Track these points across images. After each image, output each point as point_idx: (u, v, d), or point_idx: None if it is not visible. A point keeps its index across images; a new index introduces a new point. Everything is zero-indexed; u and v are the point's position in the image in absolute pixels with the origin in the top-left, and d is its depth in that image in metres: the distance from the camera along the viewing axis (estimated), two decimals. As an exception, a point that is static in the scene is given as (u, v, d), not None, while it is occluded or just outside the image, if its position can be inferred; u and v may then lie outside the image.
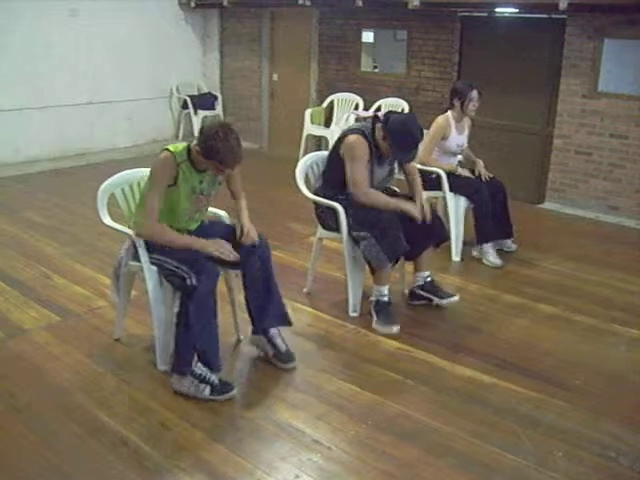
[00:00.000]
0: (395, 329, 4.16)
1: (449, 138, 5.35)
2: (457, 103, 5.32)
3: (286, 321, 3.82)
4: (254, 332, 3.78)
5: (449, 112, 5.37)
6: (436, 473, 2.90)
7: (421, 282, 4.53)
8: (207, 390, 3.37)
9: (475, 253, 5.46)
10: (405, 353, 3.93)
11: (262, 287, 3.70)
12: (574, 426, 3.24)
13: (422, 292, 4.53)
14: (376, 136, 4.17)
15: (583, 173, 7.07)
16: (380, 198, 4.24)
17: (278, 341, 3.73)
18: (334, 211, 4.29)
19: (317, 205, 4.46)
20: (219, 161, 3.34)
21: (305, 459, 2.95)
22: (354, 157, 4.15)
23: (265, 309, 3.71)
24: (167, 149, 3.45)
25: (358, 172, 4.16)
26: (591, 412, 3.37)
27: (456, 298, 4.47)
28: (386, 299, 4.28)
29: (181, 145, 3.52)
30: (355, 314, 4.39)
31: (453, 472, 2.90)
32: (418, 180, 4.49)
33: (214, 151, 3.31)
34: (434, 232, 4.44)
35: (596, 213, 6.98)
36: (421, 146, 4.70)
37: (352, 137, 4.18)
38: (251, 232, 3.71)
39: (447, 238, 4.73)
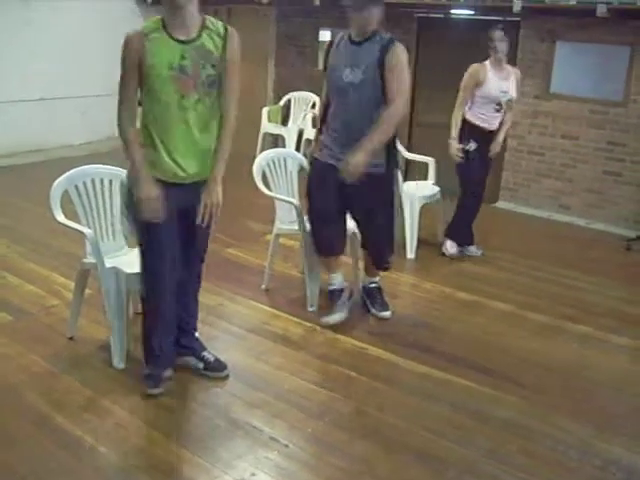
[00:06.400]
0: (330, 320, 4.20)
1: (485, 83, 5.18)
2: (490, 50, 5.21)
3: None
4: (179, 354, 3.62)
5: (487, 60, 5.24)
6: (391, 468, 2.93)
7: (366, 285, 4.50)
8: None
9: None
10: (362, 351, 3.96)
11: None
12: (527, 421, 3.31)
13: (363, 295, 4.52)
14: None
15: (535, 173, 7.21)
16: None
17: (204, 353, 3.59)
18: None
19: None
20: None
21: (262, 457, 2.95)
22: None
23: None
24: None
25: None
26: (543, 407, 3.44)
27: (387, 314, 4.39)
28: (331, 287, 4.33)
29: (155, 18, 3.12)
30: (313, 309, 4.41)
31: (408, 467, 2.94)
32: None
33: None
34: (377, 253, 4.33)
35: (548, 212, 7.12)
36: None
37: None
38: (210, 201, 3.18)
39: (382, 265, 4.41)
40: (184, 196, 3.19)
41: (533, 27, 6.91)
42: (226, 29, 3.13)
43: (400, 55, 3.84)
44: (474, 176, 5.38)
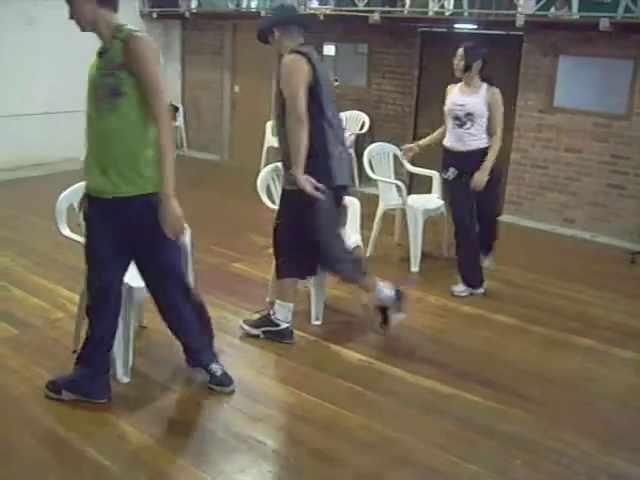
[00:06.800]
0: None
1: (447, 99, 5.04)
2: None
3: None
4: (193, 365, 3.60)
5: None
6: (396, 483, 2.92)
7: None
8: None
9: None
10: (366, 365, 3.95)
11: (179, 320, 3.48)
12: (532, 435, 3.30)
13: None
14: None
15: (539, 186, 7.22)
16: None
17: (213, 366, 3.55)
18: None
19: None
20: None
21: (265, 471, 2.95)
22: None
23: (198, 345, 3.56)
24: None
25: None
26: (548, 421, 3.43)
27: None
28: (284, 324, 4.12)
29: None
30: (318, 322, 4.40)
31: (412, 481, 2.94)
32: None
33: None
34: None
35: (552, 225, 7.12)
36: None
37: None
38: (167, 220, 3.05)
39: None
40: (110, 211, 3.14)
41: (536, 41, 6.94)
42: (130, 33, 2.98)
43: (283, 67, 3.68)
44: (462, 211, 4.93)
